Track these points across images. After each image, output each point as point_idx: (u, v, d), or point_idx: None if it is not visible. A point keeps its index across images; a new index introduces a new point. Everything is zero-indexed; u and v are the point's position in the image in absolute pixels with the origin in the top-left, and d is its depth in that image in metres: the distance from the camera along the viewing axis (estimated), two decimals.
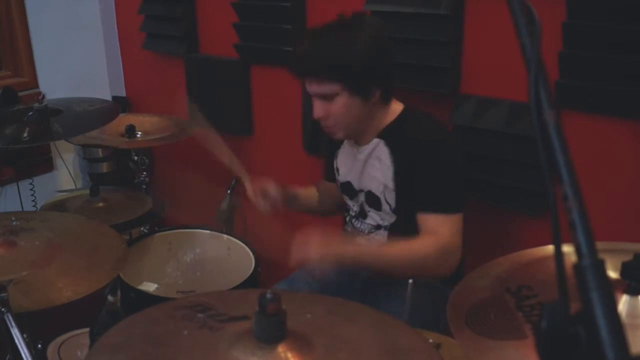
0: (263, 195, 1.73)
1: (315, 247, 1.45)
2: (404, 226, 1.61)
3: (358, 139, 1.68)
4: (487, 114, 1.78)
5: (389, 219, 1.67)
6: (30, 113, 1.95)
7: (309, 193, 1.94)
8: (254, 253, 2.01)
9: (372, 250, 1.54)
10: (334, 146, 1.80)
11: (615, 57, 1.52)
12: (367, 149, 1.66)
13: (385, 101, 1.61)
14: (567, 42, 1.57)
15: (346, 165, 1.76)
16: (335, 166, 1.81)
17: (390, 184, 1.61)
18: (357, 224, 1.75)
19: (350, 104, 1.55)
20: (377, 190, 1.65)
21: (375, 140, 1.64)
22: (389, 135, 1.62)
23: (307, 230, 1.46)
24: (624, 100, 1.55)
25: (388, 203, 1.64)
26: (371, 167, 1.65)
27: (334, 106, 1.56)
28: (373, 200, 1.67)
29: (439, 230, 1.52)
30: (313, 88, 1.57)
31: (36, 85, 2.71)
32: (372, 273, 1.79)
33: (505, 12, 0.59)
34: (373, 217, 1.70)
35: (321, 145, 1.91)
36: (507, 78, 1.74)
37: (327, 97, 1.55)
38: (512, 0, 0.58)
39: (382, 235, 1.69)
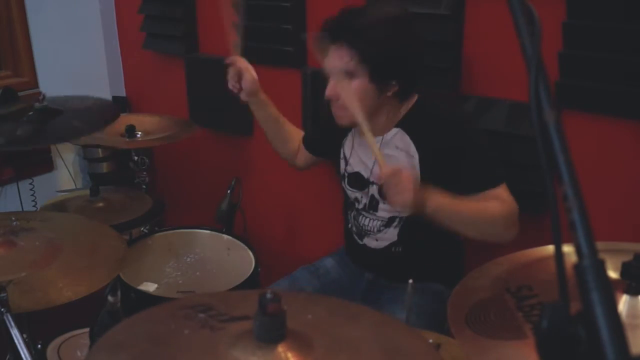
0: (238, 77, 1.78)
1: (411, 186, 1.38)
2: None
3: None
4: (487, 114, 1.78)
5: None
6: (31, 113, 1.95)
7: (286, 125, 1.94)
8: (254, 253, 2.01)
9: (455, 201, 1.46)
10: (341, 133, 1.76)
11: (615, 57, 1.52)
12: (381, 138, 1.63)
13: (401, 99, 1.60)
14: (567, 42, 1.57)
15: (357, 155, 1.72)
16: (342, 155, 1.78)
17: (416, 172, 1.57)
18: (366, 218, 1.72)
19: (364, 89, 1.53)
20: None
21: (394, 129, 1.61)
22: (409, 124, 1.60)
23: (400, 171, 1.39)
24: (624, 100, 1.55)
25: None
26: (388, 157, 1.59)
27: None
28: None
29: (499, 199, 1.51)
30: (335, 62, 1.53)
31: (36, 85, 2.71)
32: (379, 272, 1.77)
33: (505, 12, 0.59)
34: (386, 209, 1.66)
35: (324, 123, 1.85)
36: (507, 78, 1.74)
37: (345, 75, 1.52)
38: (512, 0, 0.58)
39: (392, 233, 1.68)
